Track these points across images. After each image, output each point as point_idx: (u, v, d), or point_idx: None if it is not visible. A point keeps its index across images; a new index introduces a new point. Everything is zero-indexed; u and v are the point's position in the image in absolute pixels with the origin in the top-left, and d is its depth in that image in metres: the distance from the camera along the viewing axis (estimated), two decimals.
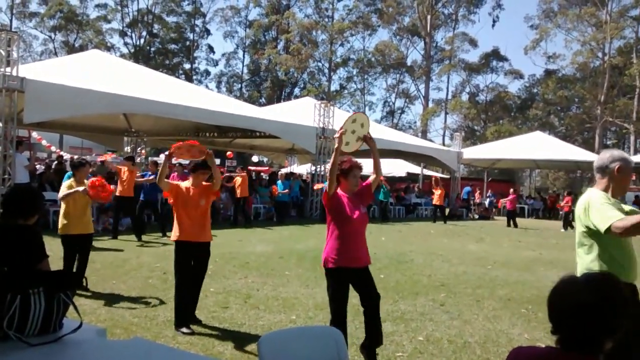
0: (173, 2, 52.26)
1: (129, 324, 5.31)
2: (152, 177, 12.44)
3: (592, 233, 3.26)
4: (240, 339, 4.96)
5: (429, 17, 47.49)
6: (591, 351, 1.66)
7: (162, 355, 2.46)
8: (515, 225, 20.65)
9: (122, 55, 46.52)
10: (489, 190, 29.31)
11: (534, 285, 8.30)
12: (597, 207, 3.19)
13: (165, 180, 5.36)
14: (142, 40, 52.30)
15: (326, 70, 52.67)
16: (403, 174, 33.10)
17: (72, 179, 6.63)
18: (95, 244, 9.99)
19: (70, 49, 45.87)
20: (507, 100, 49.73)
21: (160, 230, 12.53)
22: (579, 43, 43.27)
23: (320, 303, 6.39)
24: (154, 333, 5.05)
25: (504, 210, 23.23)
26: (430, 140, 40.08)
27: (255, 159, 33.48)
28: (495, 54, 50.23)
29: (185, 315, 5.19)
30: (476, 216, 26.69)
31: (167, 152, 5.39)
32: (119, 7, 51.27)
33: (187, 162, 17.98)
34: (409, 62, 52.68)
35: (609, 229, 3.05)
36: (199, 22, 54.72)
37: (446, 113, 52.01)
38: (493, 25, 56.88)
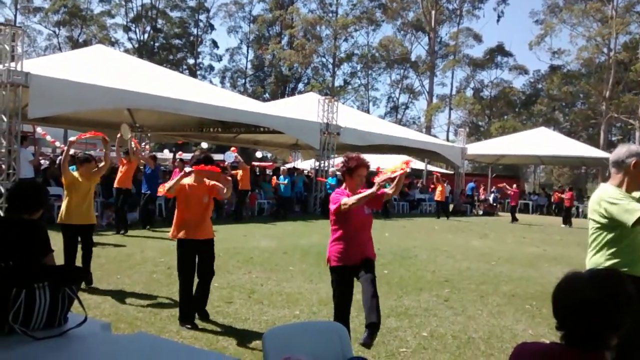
0: None
1: (133, 318, 5.33)
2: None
3: (605, 227, 3.26)
4: (244, 334, 4.97)
5: (433, 12, 47.32)
6: (595, 347, 1.66)
7: (166, 350, 2.47)
8: (514, 220, 20.65)
9: (126, 51, 46.58)
10: (494, 187, 29.24)
11: (538, 281, 8.29)
12: (616, 203, 3.20)
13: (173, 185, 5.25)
14: (146, 36, 52.32)
15: (330, 66, 52.60)
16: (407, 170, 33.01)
17: (76, 172, 6.63)
18: (99, 238, 10.08)
19: (75, 44, 45.92)
20: (511, 95, 49.53)
21: (148, 223, 12.81)
22: (584, 38, 43.04)
23: (324, 298, 6.40)
24: (158, 328, 5.07)
25: (508, 205, 23.18)
26: (435, 136, 40.00)
27: (259, 154, 33.51)
28: (500, 50, 50.02)
29: (189, 311, 5.20)
30: (480, 212, 26.66)
31: (186, 170, 5.32)
32: (123, 2, 51.26)
33: (188, 157, 18.11)
34: (413, 57, 52.58)
35: (638, 221, 3.07)
36: (202, 17, 54.75)
37: (450, 109, 51.90)
38: (498, 21, 56.78)
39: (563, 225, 20.12)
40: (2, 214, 10.41)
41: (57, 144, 25.42)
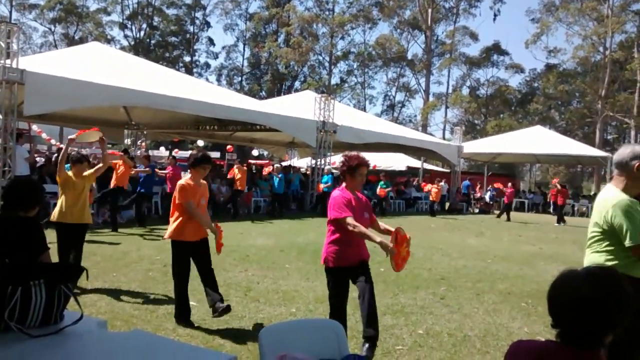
0: None
1: (130, 316, 5.32)
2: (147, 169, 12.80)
3: (607, 231, 3.27)
4: (240, 332, 4.97)
5: (429, 10, 47.36)
6: (591, 345, 1.66)
7: (162, 348, 2.47)
8: (508, 219, 20.71)
9: (122, 48, 46.43)
10: (490, 185, 29.30)
11: (533, 279, 8.31)
12: (626, 216, 3.19)
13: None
14: (142, 33, 52.23)
15: (327, 64, 52.65)
16: (403, 168, 33.10)
17: (70, 172, 6.60)
18: (95, 236, 10.07)
19: (70, 41, 45.80)
20: (507, 94, 49.64)
21: (143, 222, 12.80)
22: (580, 37, 43.18)
23: (321, 296, 6.41)
24: (155, 325, 5.06)
25: (503, 204, 23.22)
26: (431, 134, 40.10)
27: (255, 152, 33.46)
28: (496, 48, 50.14)
29: (186, 309, 5.19)
30: (476, 210, 26.71)
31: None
32: (119, 0, 51.13)
33: (179, 156, 18.11)
34: (409, 55, 52.64)
35: (635, 246, 3.10)
36: (199, 14, 54.69)
37: (447, 107, 52.01)
38: (494, 19, 56.84)
39: (557, 224, 20.17)
40: None
41: (53, 141, 25.34)
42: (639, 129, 41.21)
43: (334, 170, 19.15)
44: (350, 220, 4.10)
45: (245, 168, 16.58)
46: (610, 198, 3.31)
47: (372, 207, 4.63)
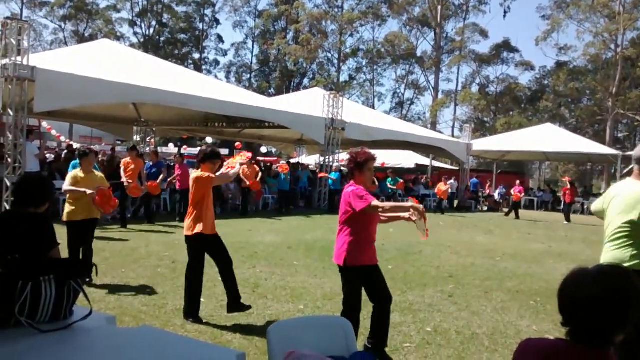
0: None
1: (138, 312, 5.35)
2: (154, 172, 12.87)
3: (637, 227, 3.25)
4: (248, 328, 4.99)
5: (439, 7, 47.14)
6: (601, 344, 1.65)
7: (170, 344, 2.48)
8: (517, 217, 20.62)
9: (132, 45, 46.65)
10: (501, 184, 29.16)
11: (542, 277, 8.28)
12: None
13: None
14: (151, 30, 52.39)
15: (335, 61, 52.57)
16: (412, 166, 33.03)
17: (78, 169, 6.65)
18: (104, 233, 10.12)
19: (80, 39, 46.02)
20: (517, 91, 49.37)
21: (152, 219, 12.92)
22: (591, 34, 42.85)
23: (328, 293, 6.41)
24: (163, 321, 5.08)
25: (512, 202, 23.09)
26: (440, 132, 39.90)
27: (264, 149, 33.50)
28: (506, 45, 49.84)
29: (197, 305, 5.22)
30: (485, 208, 26.60)
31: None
32: None
33: (185, 152, 18.15)
34: (418, 53, 52.45)
35: None
36: (208, 11, 54.77)
37: (456, 104, 51.76)
38: (504, 16, 56.28)
39: (565, 223, 20.05)
40: (8, 208, 10.46)
41: (63, 138, 25.52)
42: None
43: (342, 168, 19.13)
44: (375, 202, 4.05)
45: (255, 167, 16.47)
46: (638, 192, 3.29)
47: None
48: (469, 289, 7.18)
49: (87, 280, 6.35)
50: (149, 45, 49.03)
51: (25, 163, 11.52)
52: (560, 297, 1.73)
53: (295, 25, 50.19)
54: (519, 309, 6.23)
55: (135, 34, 52.45)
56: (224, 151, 28.35)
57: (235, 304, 5.26)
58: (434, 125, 47.18)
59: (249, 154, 5.66)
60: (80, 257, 6.35)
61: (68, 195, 6.45)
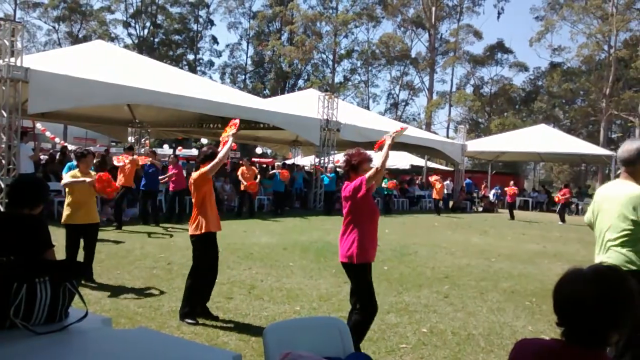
0: None
1: (134, 313, 5.34)
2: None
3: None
4: (244, 329, 4.98)
5: (433, 8, 47.26)
6: (596, 344, 1.66)
7: (166, 345, 2.47)
8: (512, 218, 20.68)
9: (126, 46, 46.48)
10: (496, 184, 29.23)
11: (537, 278, 8.31)
12: None
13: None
14: (145, 31, 52.26)
15: (330, 62, 52.56)
16: (407, 167, 33.07)
17: (76, 170, 6.64)
18: (99, 234, 10.07)
19: (74, 40, 45.86)
20: (511, 92, 49.53)
21: (163, 220, 12.92)
22: (585, 35, 43.04)
23: (324, 294, 6.42)
24: (159, 323, 5.07)
25: (507, 203, 23.16)
26: (435, 133, 39.97)
27: (259, 150, 33.48)
28: (500, 46, 50.00)
29: (197, 307, 5.23)
30: (480, 209, 26.67)
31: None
32: None
33: (179, 153, 18.09)
34: (413, 54, 52.51)
35: None
36: (202, 12, 54.66)
37: (450, 105, 51.86)
38: (498, 17, 56.55)
39: (560, 223, 20.13)
40: (2, 210, 10.41)
41: (57, 139, 25.42)
42: None
43: (338, 169, 19.16)
44: (368, 174, 4.17)
45: (254, 168, 16.37)
46: (637, 188, 3.30)
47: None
48: (464, 289, 7.20)
49: (89, 281, 6.36)
50: (143, 47, 48.92)
51: (20, 165, 11.48)
52: (556, 297, 1.74)
53: (290, 26, 50.20)
54: (514, 310, 6.25)
55: (129, 35, 52.36)
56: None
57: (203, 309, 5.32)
58: (428, 126, 47.26)
59: (236, 120, 5.65)
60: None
61: (68, 199, 6.42)
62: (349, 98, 50.52)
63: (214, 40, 55.94)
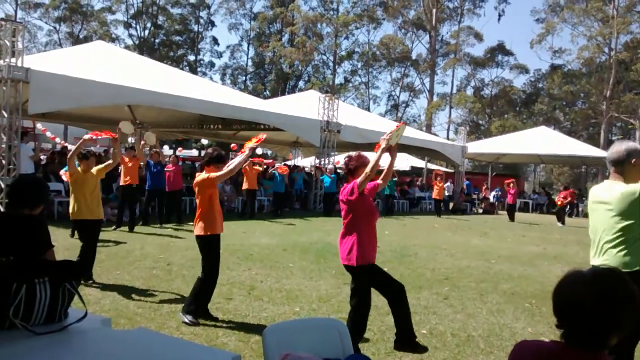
0: None
1: (133, 314, 5.33)
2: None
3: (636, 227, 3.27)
4: (244, 330, 4.98)
5: (434, 10, 47.26)
6: (595, 346, 1.66)
7: (166, 346, 2.47)
8: (512, 219, 20.68)
9: (127, 47, 46.47)
10: (497, 186, 29.24)
11: (537, 279, 8.30)
12: None
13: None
14: (146, 32, 52.25)
15: (331, 64, 52.53)
16: (407, 168, 33.07)
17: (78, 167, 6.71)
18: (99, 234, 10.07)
19: (75, 40, 45.88)
20: (512, 94, 49.48)
21: (165, 221, 12.93)
22: (585, 38, 43.02)
23: (324, 295, 6.41)
24: (158, 323, 5.07)
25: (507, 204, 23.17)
26: (435, 135, 39.97)
27: (259, 151, 33.46)
28: (501, 48, 49.95)
29: (201, 308, 5.25)
30: (480, 210, 26.67)
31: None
32: None
33: (183, 154, 18.07)
34: (413, 55, 52.46)
35: None
36: (203, 13, 54.64)
37: (451, 107, 51.82)
38: (499, 19, 56.50)
39: (560, 225, 20.12)
40: (2, 210, 10.42)
41: (57, 139, 25.41)
42: None
43: (339, 170, 19.16)
44: (360, 178, 4.23)
45: (258, 168, 16.29)
46: (629, 186, 3.30)
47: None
48: (464, 291, 7.19)
49: (90, 281, 6.38)
50: (144, 47, 48.93)
51: (20, 165, 11.49)
52: (555, 299, 1.74)
53: (291, 27, 50.19)
54: (514, 311, 6.24)
55: (130, 35, 52.33)
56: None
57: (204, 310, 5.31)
58: (429, 128, 47.25)
59: (263, 136, 5.65)
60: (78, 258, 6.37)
61: (73, 196, 6.52)
62: (349, 99, 50.55)
63: (215, 41, 55.96)
